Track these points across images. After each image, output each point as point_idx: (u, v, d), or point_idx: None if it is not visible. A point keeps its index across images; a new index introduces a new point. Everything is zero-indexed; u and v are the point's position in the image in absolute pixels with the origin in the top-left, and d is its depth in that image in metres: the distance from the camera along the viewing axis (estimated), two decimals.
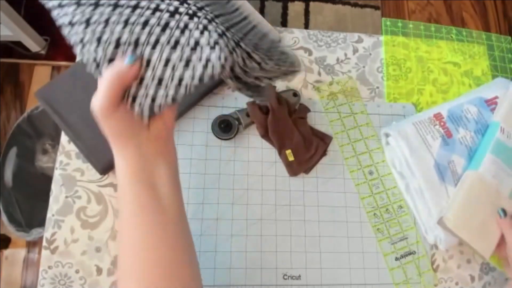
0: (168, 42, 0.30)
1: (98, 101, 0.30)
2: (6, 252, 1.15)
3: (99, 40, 0.30)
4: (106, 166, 0.51)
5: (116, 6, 0.30)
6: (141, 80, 0.31)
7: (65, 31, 0.31)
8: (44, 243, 0.49)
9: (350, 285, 0.53)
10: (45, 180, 1.15)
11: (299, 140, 0.55)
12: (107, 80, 0.29)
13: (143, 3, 0.31)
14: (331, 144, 0.57)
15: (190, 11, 0.31)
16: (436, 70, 0.65)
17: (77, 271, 0.49)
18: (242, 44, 0.31)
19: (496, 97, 0.56)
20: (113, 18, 0.30)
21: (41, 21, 1.28)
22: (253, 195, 0.54)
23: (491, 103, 0.56)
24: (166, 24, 0.30)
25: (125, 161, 0.32)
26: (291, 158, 0.54)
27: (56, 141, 1.20)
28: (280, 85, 0.59)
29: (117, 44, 0.30)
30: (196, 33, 0.30)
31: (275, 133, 0.55)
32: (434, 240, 0.53)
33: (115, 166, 0.33)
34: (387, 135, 0.57)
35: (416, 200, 0.54)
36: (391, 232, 0.55)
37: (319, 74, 0.61)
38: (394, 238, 0.55)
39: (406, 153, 0.53)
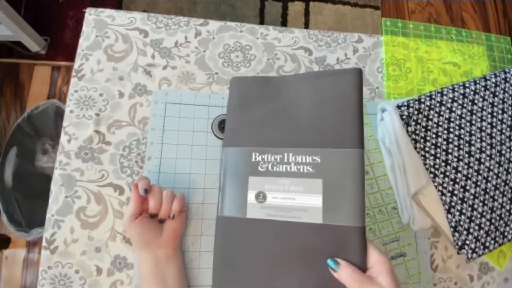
0: None
1: (124, 215, 0.47)
2: (6, 252, 1.15)
3: None
4: None
5: None
6: None
7: None
8: (44, 243, 0.49)
9: None
10: (45, 180, 1.15)
11: None
12: (130, 200, 0.46)
13: None
14: None
15: None
16: (436, 70, 0.65)
17: (77, 271, 0.49)
18: None
19: None
20: None
21: (41, 21, 1.28)
22: None
23: None
24: None
25: (143, 262, 0.46)
26: None
27: (56, 141, 1.20)
28: None
29: None
30: None
31: None
32: (408, 220, 0.53)
33: (139, 263, 0.47)
34: (383, 111, 0.57)
35: (398, 177, 0.54)
36: (383, 233, 0.55)
37: None
38: (386, 239, 0.55)
39: (397, 127, 0.53)
